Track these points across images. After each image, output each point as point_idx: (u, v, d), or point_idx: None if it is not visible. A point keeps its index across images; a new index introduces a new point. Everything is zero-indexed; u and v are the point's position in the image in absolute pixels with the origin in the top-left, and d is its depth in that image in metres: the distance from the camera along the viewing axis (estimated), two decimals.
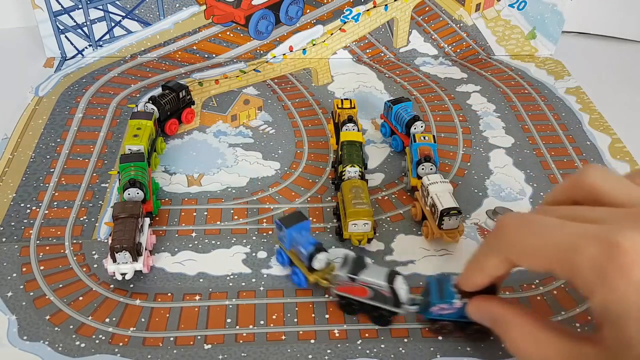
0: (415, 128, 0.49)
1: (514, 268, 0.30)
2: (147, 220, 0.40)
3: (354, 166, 0.44)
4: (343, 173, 0.44)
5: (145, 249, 0.38)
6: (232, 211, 0.44)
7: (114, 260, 0.37)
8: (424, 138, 0.47)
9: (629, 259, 0.24)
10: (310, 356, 0.34)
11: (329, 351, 0.34)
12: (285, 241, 0.37)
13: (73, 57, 0.63)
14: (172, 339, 0.35)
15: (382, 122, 0.53)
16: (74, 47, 0.62)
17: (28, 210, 0.43)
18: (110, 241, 0.37)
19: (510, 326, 0.30)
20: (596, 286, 0.25)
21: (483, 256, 0.31)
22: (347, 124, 0.48)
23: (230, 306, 0.37)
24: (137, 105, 0.55)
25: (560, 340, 0.28)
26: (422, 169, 0.44)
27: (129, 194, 0.40)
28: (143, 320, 0.36)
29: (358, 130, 0.48)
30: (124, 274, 0.37)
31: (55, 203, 0.44)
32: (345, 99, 0.52)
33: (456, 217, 0.40)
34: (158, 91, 0.52)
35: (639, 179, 0.29)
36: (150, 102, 0.50)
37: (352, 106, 0.51)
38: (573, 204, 0.29)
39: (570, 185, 0.30)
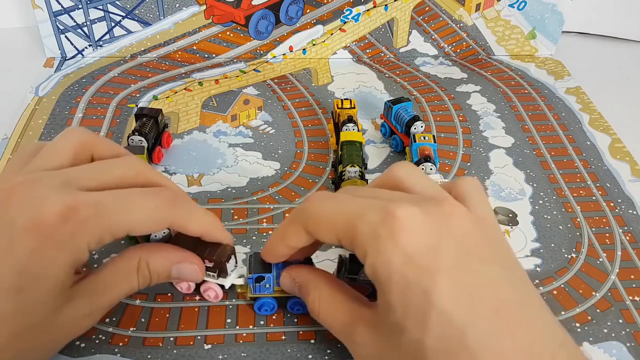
0: (415, 128, 0.49)
1: (312, 241, 0.31)
2: None
3: (354, 166, 0.44)
4: (343, 173, 0.44)
5: None
6: (232, 211, 0.44)
7: (226, 275, 0.35)
8: (424, 138, 0.47)
9: (399, 224, 0.26)
10: (310, 356, 0.34)
11: (328, 351, 0.34)
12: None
13: (73, 57, 0.63)
14: (172, 339, 0.35)
15: (382, 122, 0.53)
16: (74, 47, 0.63)
17: None
18: (210, 260, 0.34)
19: (310, 289, 0.32)
20: (369, 248, 0.27)
21: (284, 226, 0.32)
22: (347, 124, 0.48)
23: (230, 306, 0.37)
24: (137, 105, 0.55)
25: (348, 302, 0.31)
26: (422, 169, 0.44)
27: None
28: (143, 320, 0.36)
29: (358, 130, 0.48)
30: (241, 276, 0.36)
31: None
32: (345, 99, 0.52)
33: None
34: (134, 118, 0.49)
35: (448, 185, 0.31)
36: (137, 134, 0.46)
37: (352, 106, 0.51)
38: None
39: (383, 177, 0.32)
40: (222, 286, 0.36)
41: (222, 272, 0.34)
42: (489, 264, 0.27)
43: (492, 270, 0.26)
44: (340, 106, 0.51)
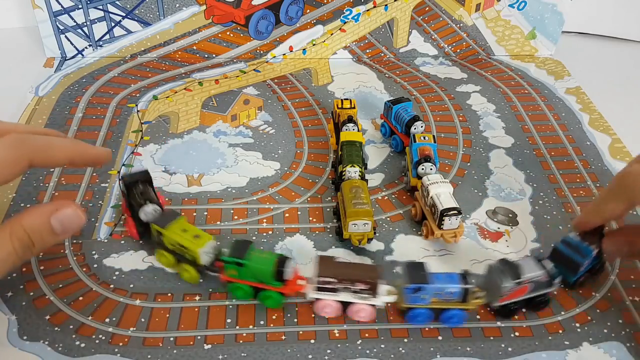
0: (415, 128, 0.49)
1: (630, 210, 0.35)
2: None
3: (354, 166, 0.44)
4: (343, 173, 0.44)
5: None
6: (232, 211, 0.44)
7: (376, 294, 0.35)
8: (424, 138, 0.47)
9: None
10: (310, 356, 0.34)
11: (329, 351, 0.34)
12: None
13: (73, 57, 0.63)
14: (172, 339, 0.35)
15: (382, 122, 0.53)
16: (74, 47, 0.62)
17: None
18: (365, 283, 0.34)
19: None
20: None
21: (604, 201, 0.36)
22: (347, 124, 0.48)
23: (230, 306, 0.37)
24: (137, 105, 0.55)
25: None
26: (422, 169, 0.44)
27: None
28: (143, 320, 0.36)
29: (358, 130, 0.48)
30: (390, 293, 0.36)
31: None
32: (345, 99, 0.52)
33: (456, 217, 0.40)
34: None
35: None
36: (148, 202, 0.39)
37: (352, 106, 0.51)
38: None
39: None
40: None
41: (375, 292, 0.34)
42: None
43: None
44: (340, 106, 0.51)
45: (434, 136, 0.47)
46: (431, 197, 0.41)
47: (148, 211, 0.39)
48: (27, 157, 0.31)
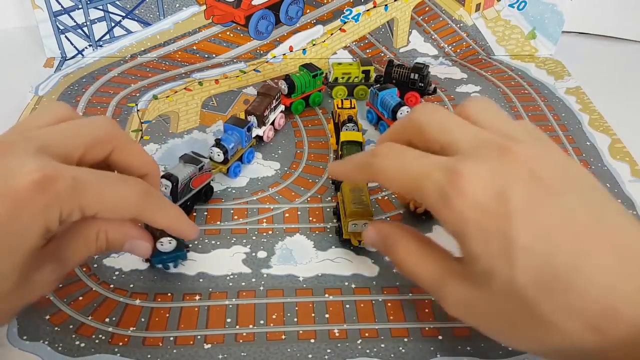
0: (401, 113, 0.50)
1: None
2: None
3: None
4: None
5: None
6: (232, 211, 0.44)
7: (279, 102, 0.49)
8: None
9: (466, 182, 0.28)
10: (310, 356, 0.34)
11: (329, 351, 0.34)
12: None
13: (73, 57, 0.63)
14: (171, 338, 0.35)
15: (368, 109, 0.53)
16: (74, 47, 0.63)
17: None
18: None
19: (397, 241, 0.33)
20: (440, 207, 0.29)
21: (352, 169, 0.35)
22: (347, 124, 0.48)
23: (230, 306, 0.37)
24: (137, 104, 0.55)
25: (436, 255, 0.32)
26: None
27: None
28: (143, 320, 0.36)
29: (358, 130, 0.48)
30: None
31: None
32: (345, 99, 0.52)
33: None
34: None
35: (466, 111, 0.32)
36: None
37: (352, 106, 0.51)
38: (406, 143, 0.33)
39: (403, 124, 0.34)
40: None
41: (279, 100, 0.51)
42: (560, 195, 0.27)
43: (563, 200, 0.27)
44: (340, 106, 0.51)
45: None
46: None
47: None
48: (138, 211, 0.32)
